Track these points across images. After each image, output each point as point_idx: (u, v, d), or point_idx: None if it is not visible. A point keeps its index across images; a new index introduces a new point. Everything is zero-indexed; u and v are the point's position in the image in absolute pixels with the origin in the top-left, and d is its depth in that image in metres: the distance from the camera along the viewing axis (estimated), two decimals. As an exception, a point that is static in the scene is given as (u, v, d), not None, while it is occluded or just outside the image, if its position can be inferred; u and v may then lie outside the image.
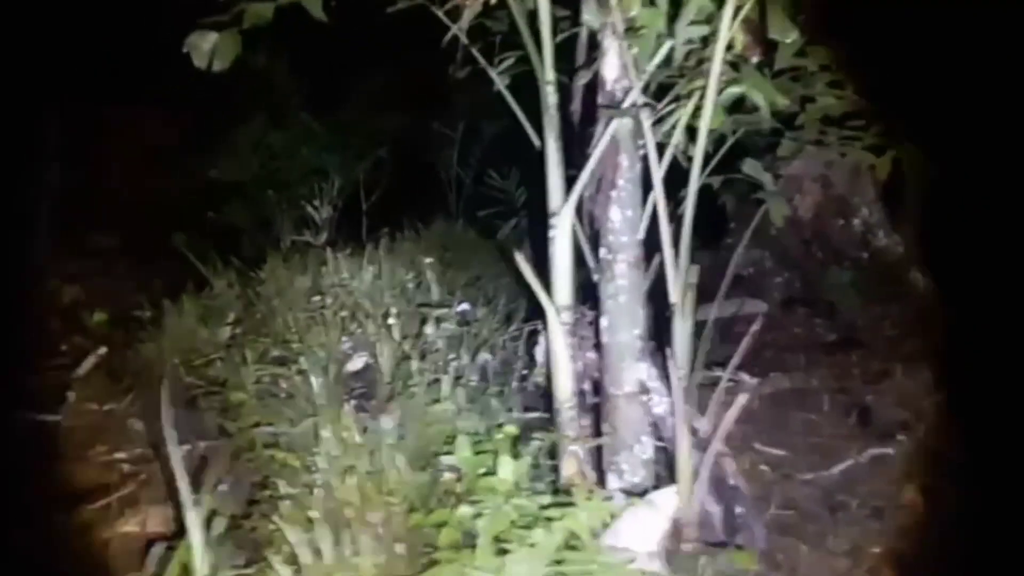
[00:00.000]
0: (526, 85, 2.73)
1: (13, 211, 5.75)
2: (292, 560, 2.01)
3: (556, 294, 2.39)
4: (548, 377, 2.71)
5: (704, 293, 2.45)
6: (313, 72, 4.98)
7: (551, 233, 2.40)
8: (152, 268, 5.50)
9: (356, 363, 2.73)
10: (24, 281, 4.96)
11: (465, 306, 3.11)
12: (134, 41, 5.45)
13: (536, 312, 3.39)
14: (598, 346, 2.54)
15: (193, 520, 2.19)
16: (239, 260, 4.16)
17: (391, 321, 2.59)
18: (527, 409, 2.74)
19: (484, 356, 2.75)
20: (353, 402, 2.54)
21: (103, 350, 3.71)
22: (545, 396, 2.79)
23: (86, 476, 2.94)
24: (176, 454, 2.27)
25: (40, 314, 4.43)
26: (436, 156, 5.40)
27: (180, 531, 2.61)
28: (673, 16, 2.21)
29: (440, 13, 2.69)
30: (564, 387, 2.38)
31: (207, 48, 2.92)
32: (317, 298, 3.13)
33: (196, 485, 2.35)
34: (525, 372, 2.90)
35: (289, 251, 4.29)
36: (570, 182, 2.45)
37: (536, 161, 2.73)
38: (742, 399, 2.32)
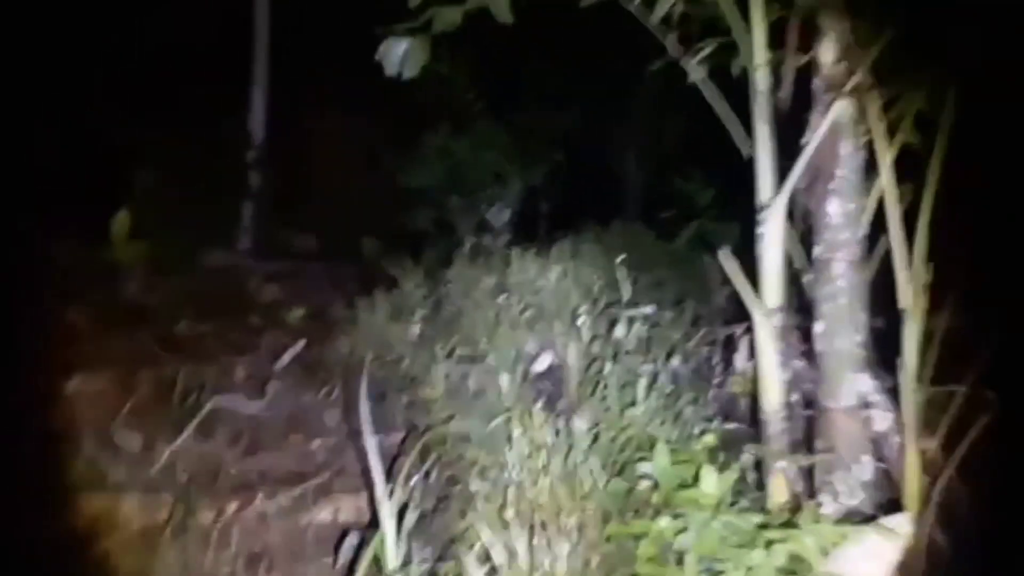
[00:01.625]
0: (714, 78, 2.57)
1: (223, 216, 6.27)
2: (485, 559, 1.96)
3: (765, 295, 2.20)
4: (748, 386, 2.53)
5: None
6: (491, 76, 5.03)
7: (760, 229, 2.21)
8: (343, 269, 5.80)
9: (542, 363, 2.66)
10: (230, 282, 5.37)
11: (649, 309, 2.96)
12: (330, 51, 5.79)
13: (729, 316, 3.21)
14: (807, 354, 2.32)
15: (386, 512, 2.20)
16: (425, 262, 4.26)
17: (580, 322, 2.50)
18: (723, 419, 2.55)
19: (675, 361, 2.59)
20: (541, 402, 2.47)
21: (301, 344, 3.89)
22: (744, 406, 2.60)
23: (284, 463, 3.07)
24: (372, 447, 2.30)
25: (244, 310, 4.75)
26: (613, 157, 5.29)
27: (372, 521, 2.66)
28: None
29: (632, 7, 2.58)
30: (773, 397, 2.18)
31: (398, 55, 2.99)
32: (502, 298, 3.10)
33: (389, 477, 2.37)
34: (719, 379, 2.71)
35: (471, 253, 4.33)
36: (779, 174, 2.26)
37: (723, 160, 2.55)
38: (986, 419, 2.02)
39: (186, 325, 4.21)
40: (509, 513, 1.90)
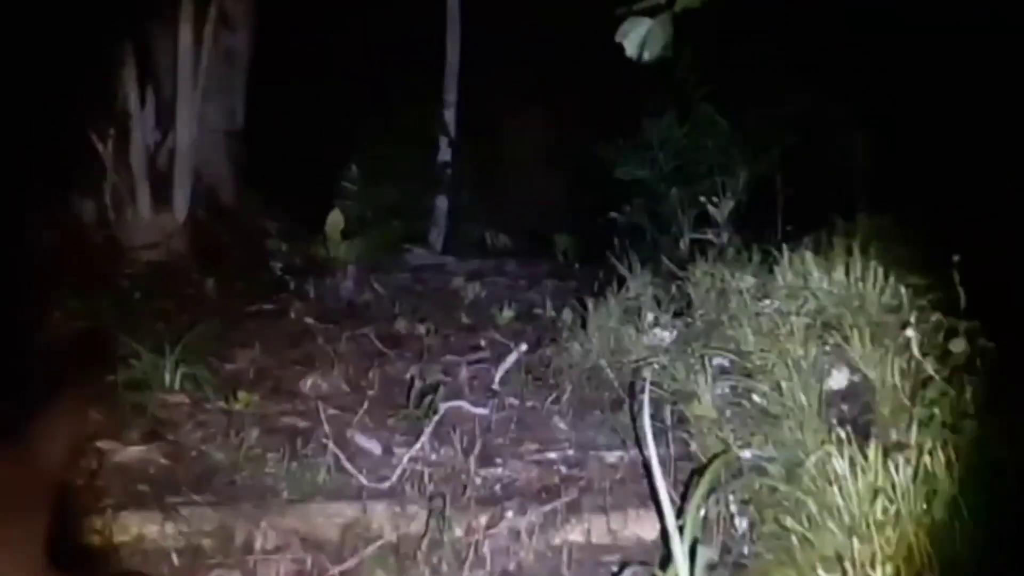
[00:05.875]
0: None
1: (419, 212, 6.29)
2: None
3: None
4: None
5: None
6: (714, 57, 4.65)
7: None
8: (540, 266, 5.65)
9: (838, 380, 2.30)
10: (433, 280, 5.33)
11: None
12: (526, 38, 5.64)
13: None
14: None
15: (678, 548, 1.92)
16: (642, 259, 3.98)
17: (909, 333, 2.10)
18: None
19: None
20: (846, 428, 2.10)
21: (523, 347, 3.72)
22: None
23: (525, 475, 2.87)
24: (657, 470, 2.03)
25: (452, 308, 4.68)
26: (848, 140, 4.77)
27: (630, 547, 2.41)
28: None
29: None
30: None
31: (640, 36, 2.73)
32: (767, 302, 2.75)
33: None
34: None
35: (691, 250, 4.00)
36: None
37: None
38: None
39: (403, 324, 4.16)
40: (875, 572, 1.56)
